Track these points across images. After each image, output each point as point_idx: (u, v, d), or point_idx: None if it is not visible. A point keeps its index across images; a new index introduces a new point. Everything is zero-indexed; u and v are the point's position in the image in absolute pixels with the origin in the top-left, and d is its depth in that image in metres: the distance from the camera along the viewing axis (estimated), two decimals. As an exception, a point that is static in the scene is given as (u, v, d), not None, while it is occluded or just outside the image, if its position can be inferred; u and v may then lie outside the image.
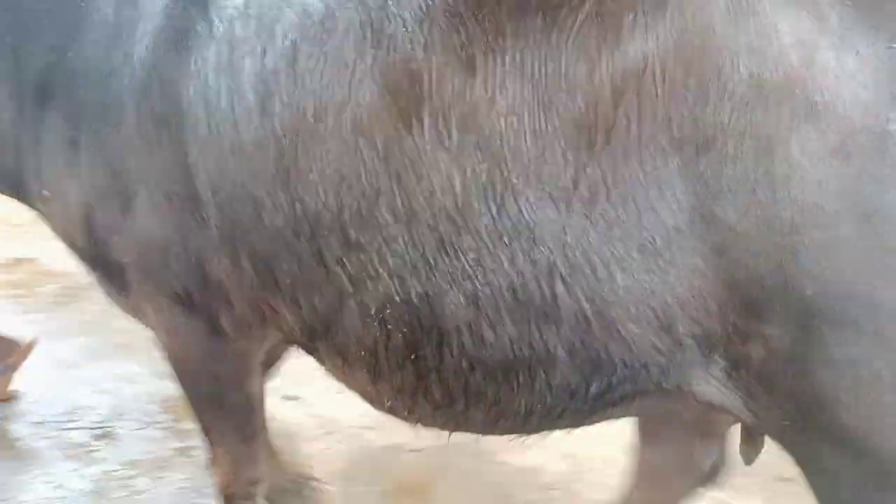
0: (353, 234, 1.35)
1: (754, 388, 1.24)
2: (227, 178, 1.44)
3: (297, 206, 1.38)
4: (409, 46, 1.26)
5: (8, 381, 3.24)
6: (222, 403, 1.81)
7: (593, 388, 1.33)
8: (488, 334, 1.32)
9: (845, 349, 1.13)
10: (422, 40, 1.25)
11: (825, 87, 1.08)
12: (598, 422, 1.52)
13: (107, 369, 3.44)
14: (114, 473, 2.77)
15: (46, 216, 1.85)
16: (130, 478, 2.75)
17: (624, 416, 1.52)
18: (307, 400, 3.30)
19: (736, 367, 1.24)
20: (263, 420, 1.96)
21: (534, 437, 1.59)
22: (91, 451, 2.92)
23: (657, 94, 1.15)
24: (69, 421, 3.12)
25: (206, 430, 1.90)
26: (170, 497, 2.65)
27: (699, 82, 1.13)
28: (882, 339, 1.10)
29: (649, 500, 1.93)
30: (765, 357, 1.19)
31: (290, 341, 1.69)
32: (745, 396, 1.26)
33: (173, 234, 1.52)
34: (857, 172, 1.08)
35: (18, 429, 3.02)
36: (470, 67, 1.23)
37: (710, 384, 1.28)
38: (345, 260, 1.38)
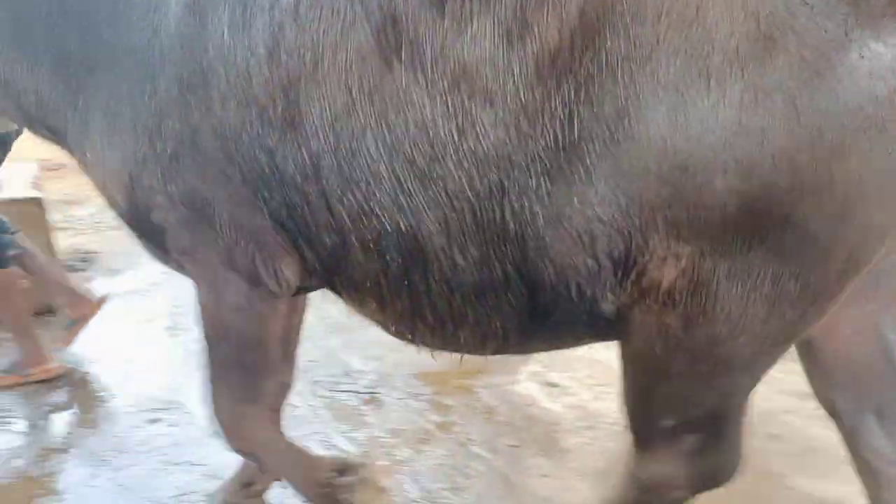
0: (347, 171, 1.48)
1: (656, 311, 1.34)
2: (246, 132, 1.56)
3: (303, 149, 1.51)
4: None
5: (76, 333, 3.33)
6: (241, 361, 1.88)
7: (542, 308, 1.44)
8: (458, 258, 1.45)
9: (747, 258, 1.23)
10: None
11: None
12: (571, 344, 1.66)
13: (375, 336, 3.56)
14: (379, 440, 2.85)
15: (92, 179, 1.96)
16: (393, 447, 2.81)
17: (588, 339, 1.60)
18: (569, 389, 3.16)
19: (649, 286, 1.32)
20: (276, 387, 2.02)
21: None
22: (360, 414, 3.03)
23: (598, 27, 1.24)
24: (341, 383, 3.27)
25: (215, 384, 1.95)
26: (430, 471, 2.66)
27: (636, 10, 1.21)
28: (792, 256, 1.21)
29: None
30: (675, 276, 1.28)
31: (310, 281, 1.78)
32: (651, 322, 1.37)
33: (210, 192, 1.64)
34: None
35: (297, 386, 3.23)
36: (440, 7, 1.36)
37: (614, 304, 1.39)
38: (343, 198, 1.51)
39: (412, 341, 1.75)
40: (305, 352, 3.47)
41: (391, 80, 1.40)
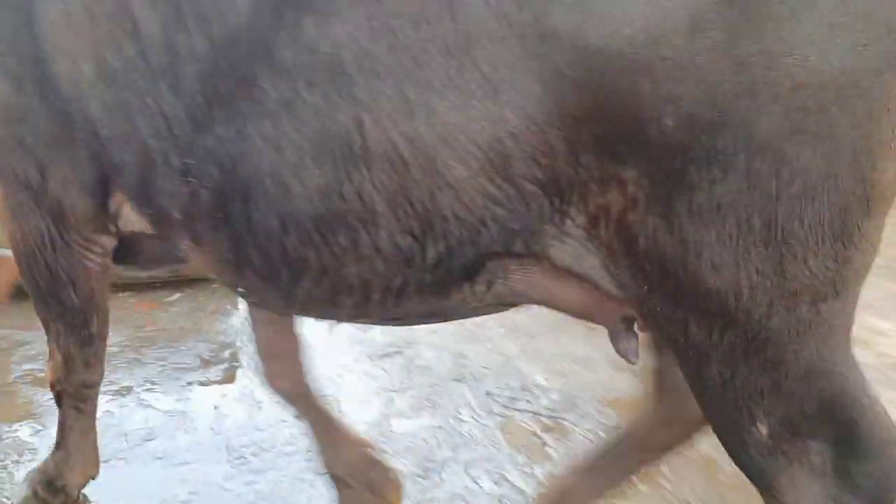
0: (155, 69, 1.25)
1: (614, 245, 1.05)
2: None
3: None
4: None
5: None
6: (60, 300, 1.74)
7: (430, 253, 1.12)
8: (293, 184, 1.13)
9: (711, 192, 0.94)
10: None
11: None
12: (477, 310, 1.32)
13: (562, 346, 3.01)
14: (563, 483, 2.27)
15: None
16: (581, 494, 2.21)
17: (502, 300, 1.24)
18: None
19: (594, 222, 1.05)
20: (103, 328, 1.86)
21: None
22: (540, 444, 2.47)
23: None
24: (518, 400, 2.73)
25: (44, 324, 1.86)
26: (629, 539, 2.04)
27: None
28: (752, 177, 0.92)
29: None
30: (624, 206, 1.01)
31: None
32: (604, 258, 1.08)
33: (19, 118, 1.49)
34: None
35: (466, 393, 2.74)
36: None
37: (567, 244, 1.09)
38: (148, 105, 1.28)
39: (253, 302, 1.55)
40: (478, 355, 3.06)
41: None
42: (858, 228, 0.97)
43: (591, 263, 1.10)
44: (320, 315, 1.37)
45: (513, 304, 1.33)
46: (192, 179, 1.25)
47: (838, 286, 1.00)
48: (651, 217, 1.01)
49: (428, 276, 1.18)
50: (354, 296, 1.25)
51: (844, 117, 0.91)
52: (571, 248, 1.10)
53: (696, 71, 0.92)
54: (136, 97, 1.28)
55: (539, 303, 1.28)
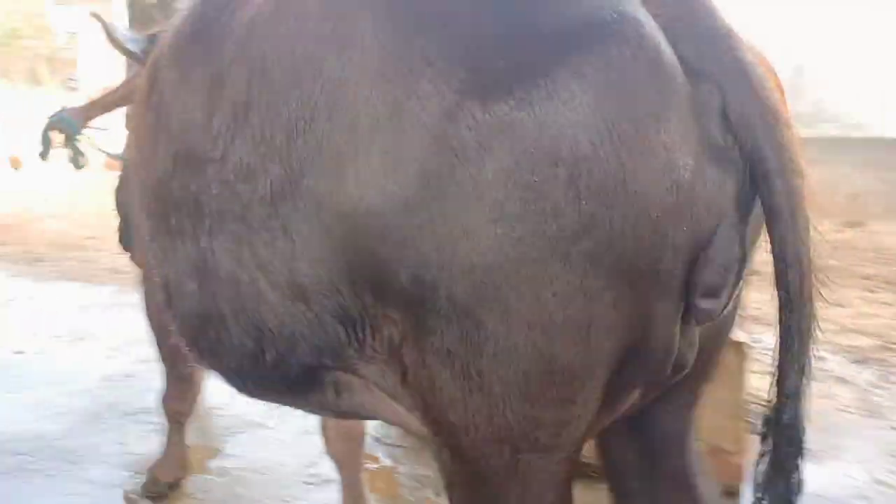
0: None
1: (397, 372, 1.18)
2: None
3: None
4: None
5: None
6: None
7: (268, 356, 1.30)
8: (184, 289, 1.40)
9: (442, 339, 1.06)
10: None
11: None
12: (360, 416, 1.50)
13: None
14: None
15: None
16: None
17: (360, 411, 1.41)
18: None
19: (387, 349, 1.18)
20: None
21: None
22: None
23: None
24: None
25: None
26: None
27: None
28: (463, 333, 1.04)
29: None
30: (399, 340, 1.14)
31: None
32: (397, 381, 1.20)
33: None
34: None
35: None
36: None
37: (372, 365, 1.23)
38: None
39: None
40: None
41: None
42: (544, 395, 1.06)
43: (391, 382, 1.23)
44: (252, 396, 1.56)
45: (376, 418, 1.49)
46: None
47: (535, 442, 1.10)
48: (413, 352, 1.13)
49: (276, 375, 1.34)
50: (239, 380, 1.47)
51: (515, 296, 1.01)
52: (377, 368, 1.23)
53: (413, 242, 1.04)
54: None
55: (386, 420, 1.43)
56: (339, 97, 1.09)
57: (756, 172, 1.00)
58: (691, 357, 1.16)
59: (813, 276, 1.02)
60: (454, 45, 1.01)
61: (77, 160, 3.17)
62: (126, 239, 3.57)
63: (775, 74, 1.13)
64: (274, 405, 1.64)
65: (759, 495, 1.11)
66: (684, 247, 1.01)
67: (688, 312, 1.08)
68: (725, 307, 1.08)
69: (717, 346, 1.28)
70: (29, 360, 3.60)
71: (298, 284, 1.19)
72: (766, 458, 1.11)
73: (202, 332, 1.40)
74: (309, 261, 1.17)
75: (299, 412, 1.59)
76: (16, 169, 9.43)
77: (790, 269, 1.01)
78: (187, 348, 1.53)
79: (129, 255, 3.59)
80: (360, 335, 1.20)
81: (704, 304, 1.05)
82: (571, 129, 0.95)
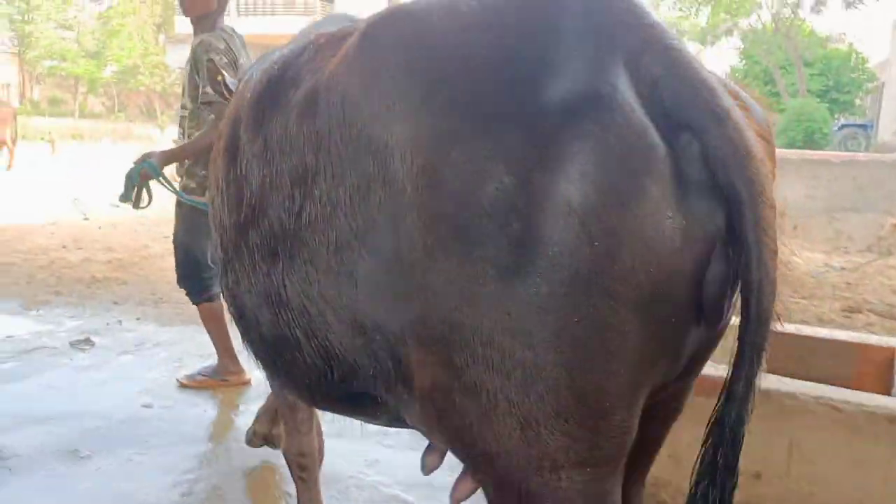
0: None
1: (430, 411, 1.27)
2: None
3: None
4: None
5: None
6: None
7: (336, 374, 1.46)
8: (259, 318, 1.60)
9: (468, 375, 1.16)
10: None
11: None
12: (384, 423, 1.62)
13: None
14: None
15: None
16: None
17: (395, 424, 1.57)
18: None
19: (420, 390, 1.28)
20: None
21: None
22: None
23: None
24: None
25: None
26: None
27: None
28: (488, 363, 1.14)
29: None
30: (431, 383, 1.23)
31: None
32: (432, 425, 1.30)
33: None
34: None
35: None
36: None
37: (412, 407, 1.34)
38: None
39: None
40: None
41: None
42: (575, 413, 1.14)
43: (428, 424, 1.35)
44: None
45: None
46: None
47: (572, 457, 1.16)
48: (443, 395, 1.22)
49: (342, 392, 1.51)
50: (310, 395, 1.66)
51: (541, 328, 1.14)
52: (414, 410, 1.35)
53: (432, 288, 1.18)
54: None
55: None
56: (388, 168, 1.22)
57: (730, 205, 1.11)
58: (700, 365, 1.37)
59: (773, 302, 1.12)
60: (476, 122, 1.14)
61: (140, 200, 3.41)
62: (185, 277, 3.82)
63: (761, 117, 1.33)
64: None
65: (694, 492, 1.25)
66: (687, 271, 1.13)
67: (698, 326, 1.20)
68: (729, 316, 1.23)
69: (702, 359, 1.38)
70: (158, 416, 3.52)
71: (359, 322, 1.33)
72: (706, 458, 1.23)
73: (278, 353, 1.58)
74: (367, 303, 1.30)
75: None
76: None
77: (752, 294, 1.11)
78: (264, 367, 1.77)
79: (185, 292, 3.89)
80: (406, 375, 1.31)
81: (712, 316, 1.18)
82: (579, 184, 1.07)
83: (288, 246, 1.44)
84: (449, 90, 1.17)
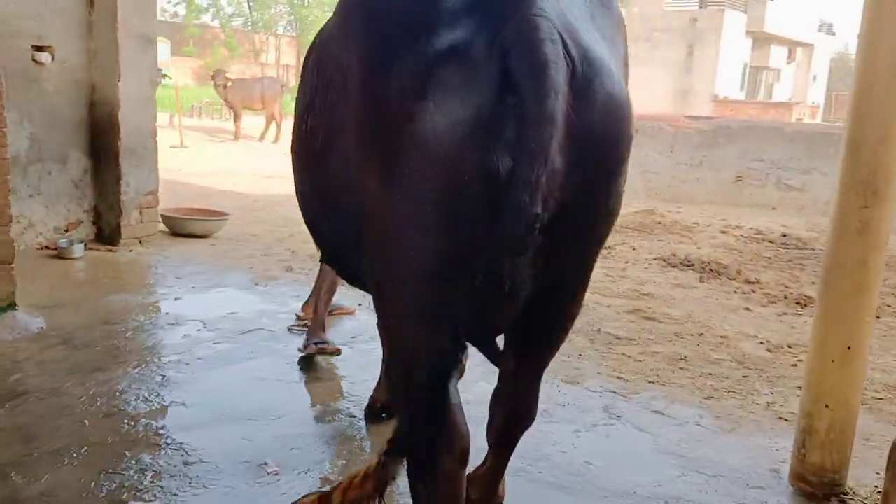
0: None
1: (366, 264, 1.78)
2: None
3: None
4: None
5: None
6: None
7: (329, 246, 2.21)
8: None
9: (371, 243, 1.70)
10: None
11: None
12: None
13: None
14: None
15: None
16: None
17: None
18: None
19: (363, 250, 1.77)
20: None
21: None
22: None
23: None
24: None
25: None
26: None
27: None
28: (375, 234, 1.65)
29: None
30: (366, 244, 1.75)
31: None
32: (366, 269, 1.81)
33: None
34: None
35: None
36: None
37: (363, 263, 1.81)
38: None
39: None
40: None
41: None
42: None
43: None
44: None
45: None
46: None
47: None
48: None
49: (333, 254, 2.23)
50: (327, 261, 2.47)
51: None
52: None
53: None
54: None
55: None
56: (346, 84, 1.70)
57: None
58: (522, 288, 1.61)
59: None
60: (389, 51, 1.57)
61: None
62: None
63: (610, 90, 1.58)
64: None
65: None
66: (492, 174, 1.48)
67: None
68: (531, 231, 1.43)
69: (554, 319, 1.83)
70: (360, 429, 2.98)
71: (335, 204, 1.87)
72: None
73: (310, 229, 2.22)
74: (336, 191, 1.82)
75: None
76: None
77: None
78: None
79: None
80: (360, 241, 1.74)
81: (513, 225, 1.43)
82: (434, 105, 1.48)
83: (302, 147, 2.03)
84: (378, 27, 1.64)
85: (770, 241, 7.72)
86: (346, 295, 4.37)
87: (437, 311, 1.60)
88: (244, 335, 3.98)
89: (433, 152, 1.46)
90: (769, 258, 7.04)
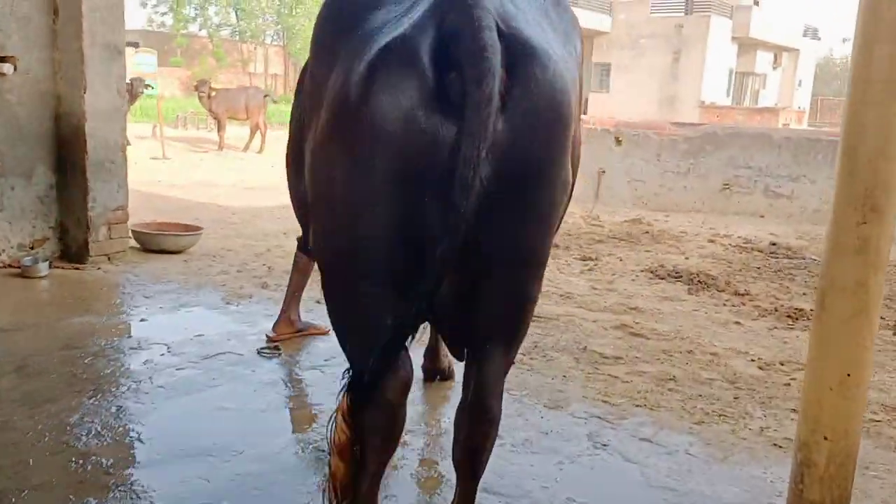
0: None
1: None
2: None
3: None
4: None
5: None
6: None
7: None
8: None
9: (317, 224, 2.03)
10: None
11: None
12: None
13: None
14: None
15: None
16: None
17: None
18: None
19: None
20: None
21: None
22: None
23: None
24: None
25: None
26: None
27: None
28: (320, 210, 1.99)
29: None
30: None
31: None
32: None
33: None
34: None
35: None
36: None
37: None
38: None
39: None
40: None
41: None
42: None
43: None
44: None
45: None
46: None
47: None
48: None
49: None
50: None
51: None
52: None
53: None
54: None
55: None
56: (319, 68, 2.01)
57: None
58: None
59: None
60: (341, 39, 1.89)
61: None
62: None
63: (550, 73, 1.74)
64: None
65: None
66: (434, 150, 1.69)
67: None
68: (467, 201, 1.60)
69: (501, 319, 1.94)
70: (326, 468, 2.77)
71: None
72: None
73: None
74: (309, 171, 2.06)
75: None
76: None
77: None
78: None
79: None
80: None
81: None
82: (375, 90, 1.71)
83: (290, 151, 2.95)
84: (336, 34, 1.92)
85: (759, 251, 7.58)
86: (321, 315, 4.17)
87: (392, 272, 1.78)
88: (209, 360, 3.77)
89: (385, 138, 1.68)
90: (758, 268, 6.89)
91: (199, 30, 41.87)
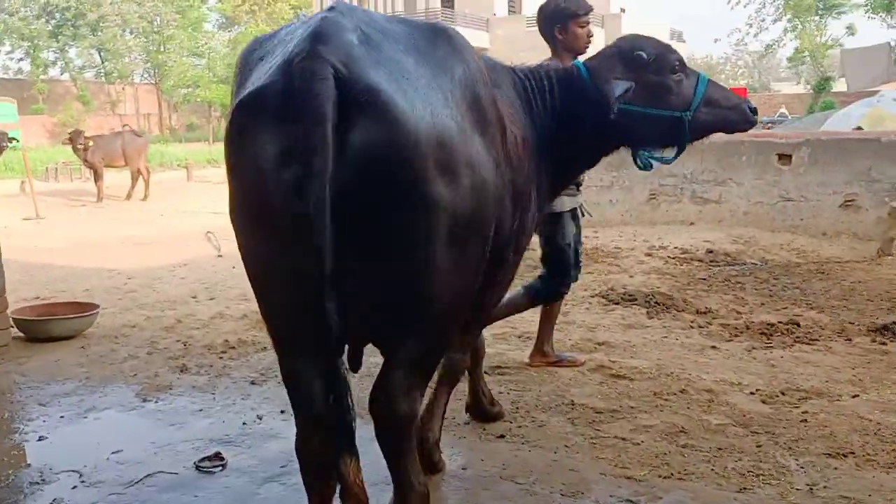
0: None
1: None
2: None
3: None
4: None
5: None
6: None
7: None
8: None
9: None
10: None
11: None
12: None
13: None
14: None
15: None
16: None
17: None
18: None
19: None
20: None
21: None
22: None
23: None
24: None
25: None
26: None
27: None
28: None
29: None
30: None
31: None
32: None
33: None
34: None
35: None
36: None
37: None
38: None
39: None
40: None
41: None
42: None
43: None
44: None
45: None
46: None
47: None
48: None
49: None
50: None
51: None
52: None
53: None
54: None
55: None
56: None
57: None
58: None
59: None
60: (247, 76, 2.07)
61: None
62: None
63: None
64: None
65: None
66: (283, 189, 1.83)
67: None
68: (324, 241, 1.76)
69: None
70: None
71: None
72: None
73: None
74: None
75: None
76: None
77: None
78: None
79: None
80: None
81: None
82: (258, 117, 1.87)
83: None
84: (238, 73, 2.13)
85: (699, 260, 7.36)
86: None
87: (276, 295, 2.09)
88: (135, 487, 2.99)
89: (245, 184, 1.91)
90: (704, 279, 6.64)
91: (61, 73, 39.47)
